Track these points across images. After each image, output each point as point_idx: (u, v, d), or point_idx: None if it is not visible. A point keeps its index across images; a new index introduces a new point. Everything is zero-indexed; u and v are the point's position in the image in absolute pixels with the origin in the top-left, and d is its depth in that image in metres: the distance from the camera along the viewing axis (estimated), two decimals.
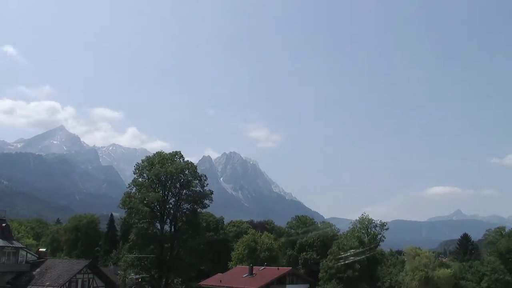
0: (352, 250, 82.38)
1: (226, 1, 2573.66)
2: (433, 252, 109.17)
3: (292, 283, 65.97)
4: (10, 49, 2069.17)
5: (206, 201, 75.22)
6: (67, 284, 56.97)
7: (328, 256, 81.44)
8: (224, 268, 79.09)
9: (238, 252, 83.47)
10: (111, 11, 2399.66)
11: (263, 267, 68.24)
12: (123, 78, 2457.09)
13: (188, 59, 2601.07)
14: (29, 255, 64.62)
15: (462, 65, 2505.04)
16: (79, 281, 59.88)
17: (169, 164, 73.73)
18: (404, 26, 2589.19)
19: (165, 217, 74.39)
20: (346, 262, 79.33)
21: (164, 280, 73.47)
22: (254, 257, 78.13)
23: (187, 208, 75.40)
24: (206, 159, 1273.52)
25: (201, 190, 75.11)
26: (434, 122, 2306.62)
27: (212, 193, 76.58)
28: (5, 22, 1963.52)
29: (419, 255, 79.23)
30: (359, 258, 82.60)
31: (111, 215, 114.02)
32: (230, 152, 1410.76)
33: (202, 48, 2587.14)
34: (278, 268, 67.70)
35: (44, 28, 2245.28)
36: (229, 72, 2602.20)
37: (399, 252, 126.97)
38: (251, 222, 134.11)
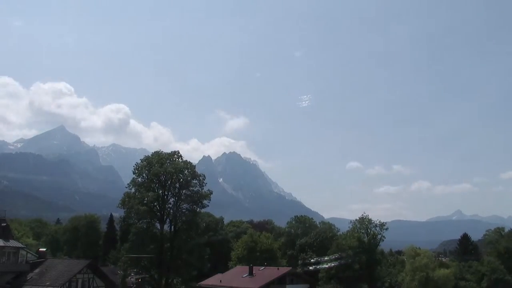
0: (352, 250, 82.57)
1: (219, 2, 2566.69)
2: (433, 252, 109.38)
3: (292, 283, 65.90)
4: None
5: (205, 201, 75.22)
6: (67, 284, 56.98)
7: (327, 257, 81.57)
8: (224, 268, 79.15)
9: (238, 252, 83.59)
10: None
11: (263, 267, 68.22)
12: (123, 75, 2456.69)
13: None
14: (29, 255, 64.66)
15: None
16: (79, 281, 59.91)
17: (168, 164, 73.80)
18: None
19: (164, 217, 74.37)
20: (346, 262, 79.47)
21: (164, 280, 73.47)
22: (253, 257, 78.17)
23: (186, 208, 75.41)
24: (206, 159, 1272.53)
25: (200, 190, 75.16)
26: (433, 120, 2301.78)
27: (211, 193, 76.53)
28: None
29: (419, 255, 79.25)
30: (358, 258, 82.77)
31: (111, 215, 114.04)
32: (230, 152, 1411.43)
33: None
34: (278, 268, 67.72)
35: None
36: (227, 70, 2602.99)
37: (399, 252, 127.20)
38: (251, 222, 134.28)
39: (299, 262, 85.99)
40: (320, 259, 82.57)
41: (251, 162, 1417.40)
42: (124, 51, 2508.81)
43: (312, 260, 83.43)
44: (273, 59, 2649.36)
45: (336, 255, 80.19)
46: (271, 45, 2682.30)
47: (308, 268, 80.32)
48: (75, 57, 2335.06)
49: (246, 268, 68.33)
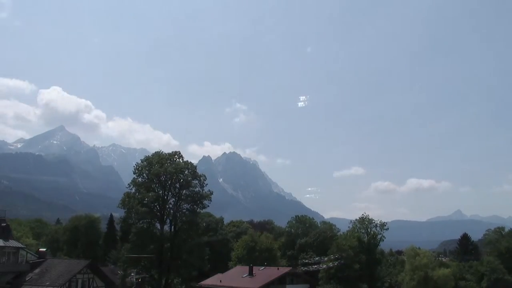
0: (352, 250, 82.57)
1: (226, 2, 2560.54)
2: (433, 252, 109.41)
3: (292, 283, 65.91)
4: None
5: (206, 201, 75.28)
6: (67, 284, 56.95)
7: (327, 256, 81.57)
8: (224, 268, 79.13)
9: (237, 252, 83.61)
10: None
11: (263, 267, 68.24)
12: (123, 75, 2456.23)
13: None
14: (29, 255, 64.58)
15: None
16: (79, 281, 59.87)
17: (168, 164, 73.81)
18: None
19: (165, 217, 74.44)
20: (346, 262, 79.42)
21: (164, 280, 73.50)
22: (253, 257, 78.20)
23: (186, 208, 75.46)
24: (206, 159, 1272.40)
25: (201, 190, 75.19)
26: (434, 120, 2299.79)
27: (211, 193, 76.61)
28: None
29: (419, 255, 79.27)
30: (358, 258, 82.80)
31: (111, 215, 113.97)
32: (230, 152, 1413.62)
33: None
34: (278, 268, 67.72)
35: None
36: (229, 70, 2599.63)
37: (399, 252, 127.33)
38: (251, 222, 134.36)
39: (299, 262, 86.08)
40: (320, 259, 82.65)
41: (251, 162, 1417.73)
42: (121, 50, 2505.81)
43: (311, 260, 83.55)
44: (285, 55, 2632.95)
45: (336, 255, 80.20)
46: (282, 40, 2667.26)
47: (308, 268, 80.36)
48: (75, 58, 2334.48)
49: (246, 268, 68.31)
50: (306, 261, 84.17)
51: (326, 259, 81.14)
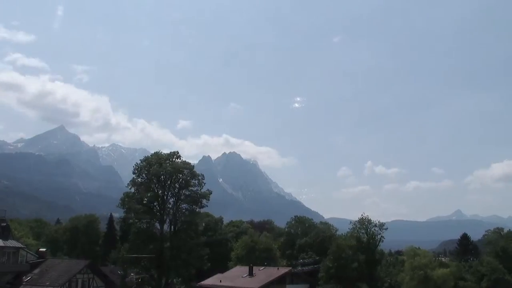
0: (351, 250, 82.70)
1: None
2: (432, 252, 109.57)
3: (292, 283, 66.07)
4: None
5: (205, 201, 75.54)
6: (67, 284, 57.08)
7: (327, 256, 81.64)
8: (224, 268, 79.18)
9: (237, 252, 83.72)
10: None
11: (262, 267, 68.37)
12: (122, 71, 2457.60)
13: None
14: (29, 255, 64.70)
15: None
16: (79, 281, 60.02)
17: (167, 164, 74.08)
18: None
19: (164, 216, 74.65)
20: (345, 262, 79.52)
21: (164, 280, 73.61)
22: (253, 257, 78.32)
23: (186, 208, 75.69)
24: (205, 159, 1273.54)
25: (199, 190, 75.43)
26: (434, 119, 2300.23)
27: (211, 193, 76.92)
28: None
29: (418, 255, 79.34)
30: (357, 258, 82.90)
31: (111, 215, 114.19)
32: (230, 152, 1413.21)
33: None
34: (277, 268, 67.89)
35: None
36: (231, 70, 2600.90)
37: (399, 252, 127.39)
38: (251, 222, 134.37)
39: (299, 261, 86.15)
40: (320, 259, 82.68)
41: (251, 162, 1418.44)
42: (122, 49, 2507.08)
43: (310, 260, 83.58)
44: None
45: (336, 255, 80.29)
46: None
47: (305, 268, 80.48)
48: (74, 55, 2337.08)
49: (246, 268, 68.44)
50: (306, 260, 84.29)
51: (328, 258, 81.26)
